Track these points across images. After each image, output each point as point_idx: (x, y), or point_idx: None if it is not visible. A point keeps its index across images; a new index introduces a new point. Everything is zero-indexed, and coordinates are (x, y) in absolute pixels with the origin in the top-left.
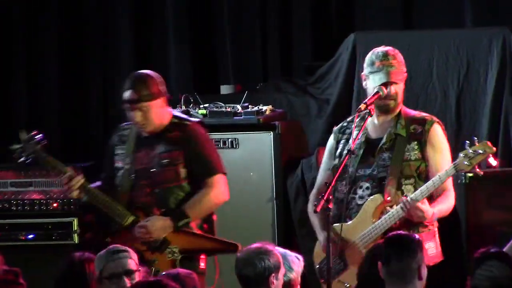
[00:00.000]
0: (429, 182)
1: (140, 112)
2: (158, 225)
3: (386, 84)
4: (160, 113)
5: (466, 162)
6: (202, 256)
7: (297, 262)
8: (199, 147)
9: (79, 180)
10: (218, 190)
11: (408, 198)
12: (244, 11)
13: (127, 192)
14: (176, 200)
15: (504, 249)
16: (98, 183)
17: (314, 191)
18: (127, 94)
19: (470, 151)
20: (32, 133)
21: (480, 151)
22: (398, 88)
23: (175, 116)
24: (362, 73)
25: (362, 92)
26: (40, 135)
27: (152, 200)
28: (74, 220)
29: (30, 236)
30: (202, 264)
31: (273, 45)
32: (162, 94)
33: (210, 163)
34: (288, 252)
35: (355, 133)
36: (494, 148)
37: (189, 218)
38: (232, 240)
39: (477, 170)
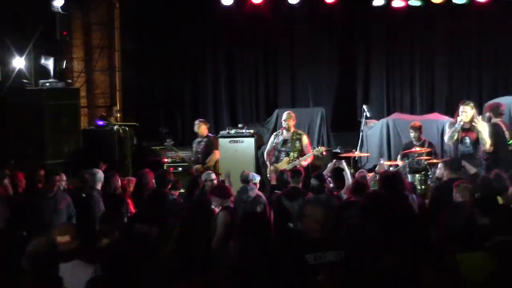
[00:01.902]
0: (302, 157)
1: None
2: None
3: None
4: None
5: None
6: None
7: (258, 177)
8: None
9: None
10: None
11: (301, 159)
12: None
13: None
14: None
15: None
16: None
17: (265, 153)
18: None
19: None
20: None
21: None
22: (292, 124)
23: None
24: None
25: (279, 127)
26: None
27: None
28: None
29: None
30: None
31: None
32: None
33: None
34: (256, 174)
35: (281, 137)
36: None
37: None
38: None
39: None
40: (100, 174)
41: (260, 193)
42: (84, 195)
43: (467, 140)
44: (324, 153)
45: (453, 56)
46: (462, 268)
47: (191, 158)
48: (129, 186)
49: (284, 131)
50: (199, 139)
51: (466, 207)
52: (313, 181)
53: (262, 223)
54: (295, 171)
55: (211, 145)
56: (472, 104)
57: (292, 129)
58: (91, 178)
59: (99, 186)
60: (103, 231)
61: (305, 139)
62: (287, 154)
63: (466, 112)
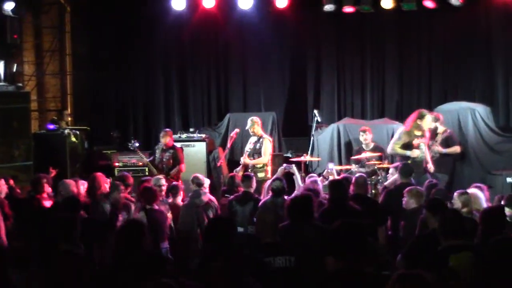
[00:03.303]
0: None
1: None
2: None
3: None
4: None
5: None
6: None
7: (208, 181)
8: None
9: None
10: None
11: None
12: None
13: None
14: None
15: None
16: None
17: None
18: None
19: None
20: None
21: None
22: (258, 130)
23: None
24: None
25: (230, 131)
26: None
27: None
28: None
29: None
30: None
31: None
32: None
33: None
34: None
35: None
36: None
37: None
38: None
39: None
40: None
41: (212, 197)
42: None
43: (422, 146)
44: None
45: (403, 62)
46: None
47: (154, 163)
48: (80, 190)
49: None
50: (163, 147)
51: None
52: (276, 183)
53: (230, 227)
54: (245, 176)
55: (177, 158)
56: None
57: (259, 133)
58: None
59: (48, 190)
60: (60, 236)
61: (265, 142)
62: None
63: (425, 121)
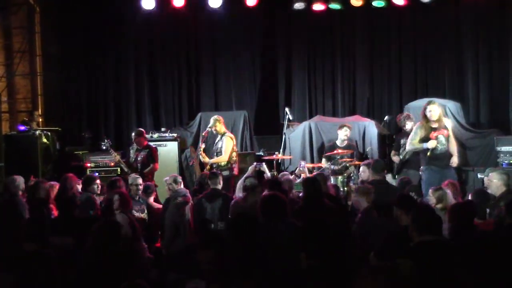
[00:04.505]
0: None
1: None
2: None
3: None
4: None
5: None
6: None
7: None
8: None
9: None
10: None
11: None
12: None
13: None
14: None
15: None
16: None
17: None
18: None
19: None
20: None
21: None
22: (221, 128)
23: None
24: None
25: (202, 130)
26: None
27: None
28: None
29: None
30: None
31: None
32: None
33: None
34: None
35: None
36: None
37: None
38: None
39: None
40: (20, 180)
41: (189, 196)
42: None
43: (442, 138)
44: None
45: (373, 59)
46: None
47: (128, 162)
48: (52, 191)
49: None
50: (138, 147)
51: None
52: (250, 181)
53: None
54: (212, 173)
55: (152, 157)
56: (437, 103)
57: (222, 131)
58: (12, 185)
59: (20, 192)
60: (27, 237)
61: (225, 140)
62: (215, 155)
63: (433, 111)
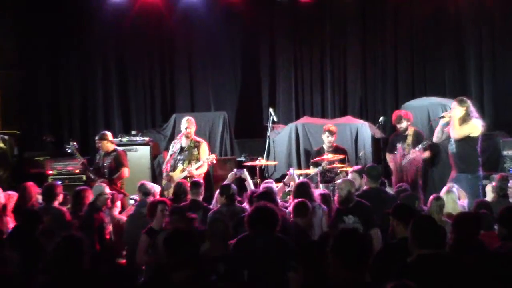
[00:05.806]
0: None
1: None
2: None
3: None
4: None
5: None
6: None
7: (158, 187)
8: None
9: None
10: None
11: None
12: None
13: None
14: None
15: None
16: None
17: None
18: None
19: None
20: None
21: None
22: (192, 131)
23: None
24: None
25: (177, 133)
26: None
27: None
28: None
29: None
30: None
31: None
32: None
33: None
34: (156, 185)
35: (178, 145)
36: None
37: None
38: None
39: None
40: None
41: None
42: None
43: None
44: (214, 161)
45: (366, 55)
46: None
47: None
48: (9, 201)
49: (184, 138)
50: (104, 152)
51: None
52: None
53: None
54: (194, 183)
55: (120, 162)
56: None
57: (191, 136)
58: None
59: None
60: None
61: (204, 147)
62: (183, 163)
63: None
